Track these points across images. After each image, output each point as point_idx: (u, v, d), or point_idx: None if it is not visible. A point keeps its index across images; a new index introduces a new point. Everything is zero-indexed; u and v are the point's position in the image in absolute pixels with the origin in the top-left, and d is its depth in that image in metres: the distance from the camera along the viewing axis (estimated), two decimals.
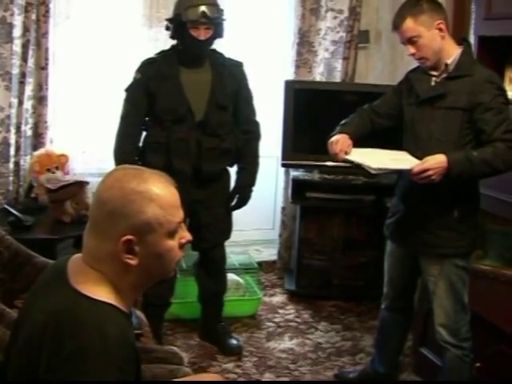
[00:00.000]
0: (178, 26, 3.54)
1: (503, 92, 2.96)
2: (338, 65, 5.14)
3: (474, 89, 2.90)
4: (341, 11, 5.06)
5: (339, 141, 3.12)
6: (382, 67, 5.20)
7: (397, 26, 3.02)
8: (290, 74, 5.03)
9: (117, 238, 1.58)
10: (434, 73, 3.06)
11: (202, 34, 3.50)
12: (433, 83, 3.06)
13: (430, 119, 3.03)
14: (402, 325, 3.49)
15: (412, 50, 2.99)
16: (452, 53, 3.00)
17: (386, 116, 3.30)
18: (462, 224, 3.03)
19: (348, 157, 3.09)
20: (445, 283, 3.08)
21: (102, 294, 1.60)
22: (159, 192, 1.63)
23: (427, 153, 2.92)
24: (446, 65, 3.00)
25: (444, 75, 3.02)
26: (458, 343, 3.09)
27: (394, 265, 3.37)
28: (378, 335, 3.61)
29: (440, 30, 2.96)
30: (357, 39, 5.12)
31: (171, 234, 1.65)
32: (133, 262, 1.61)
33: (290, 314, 4.60)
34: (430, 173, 2.82)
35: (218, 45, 3.82)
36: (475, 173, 2.89)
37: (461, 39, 3.09)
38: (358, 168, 3.10)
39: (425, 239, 3.09)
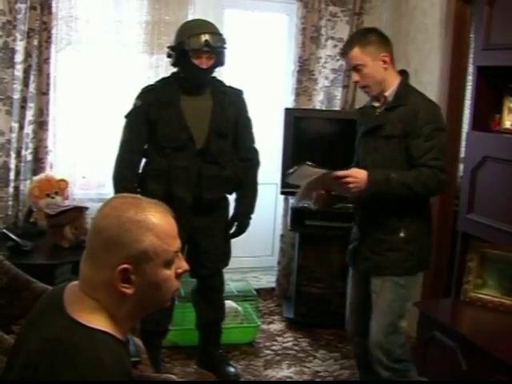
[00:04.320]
0: (180, 53, 3.55)
1: (436, 119, 3.12)
2: (338, 93, 5.17)
3: (407, 117, 3.08)
4: (341, 40, 5.10)
5: None
6: None
7: (345, 53, 3.25)
8: (289, 102, 5.05)
9: (113, 267, 1.58)
10: (377, 104, 3.25)
11: (204, 63, 3.52)
12: (377, 114, 3.24)
13: (372, 149, 3.23)
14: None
15: (356, 77, 3.20)
16: (392, 84, 3.19)
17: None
18: (410, 245, 3.18)
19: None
20: (383, 300, 3.21)
21: (98, 322, 1.59)
22: (156, 221, 1.62)
23: None
24: (385, 97, 3.19)
25: (384, 106, 3.20)
26: (390, 364, 3.19)
27: (352, 289, 3.51)
28: (359, 371, 3.67)
29: (384, 62, 3.16)
30: None
31: (168, 264, 1.64)
32: (129, 291, 1.60)
33: (288, 341, 4.58)
34: (349, 179, 3.02)
35: (219, 73, 3.84)
36: (393, 193, 3.05)
37: (401, 71, 3.28)
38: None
39: (375, 261, 3.23)
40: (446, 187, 3.16)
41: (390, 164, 3.13)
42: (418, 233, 3.20)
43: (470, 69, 3.96)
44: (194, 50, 3.50)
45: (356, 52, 3.15)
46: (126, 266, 1.58)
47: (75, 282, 1.69)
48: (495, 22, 3.25)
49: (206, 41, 3.49)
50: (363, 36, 3.22)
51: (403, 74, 3.27)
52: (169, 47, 3.68)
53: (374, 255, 3.24)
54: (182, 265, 1.71)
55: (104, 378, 1.50)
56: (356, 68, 3.17)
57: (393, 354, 3.20)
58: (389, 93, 3.18)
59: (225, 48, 3.62)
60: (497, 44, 3.24)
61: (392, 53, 3.22)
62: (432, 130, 3.05)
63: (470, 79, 4.03)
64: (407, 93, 3.18)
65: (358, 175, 3.04)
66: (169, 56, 3.67)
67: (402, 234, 3.16)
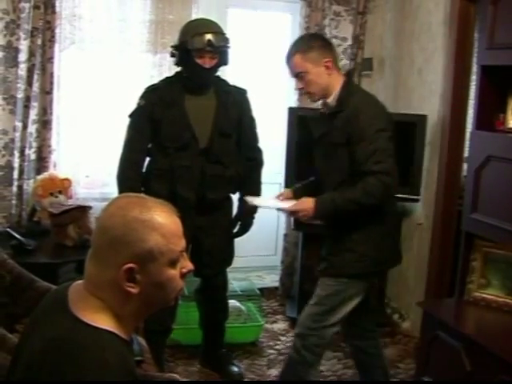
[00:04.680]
0: (183, 53, 3.55)
1: (376, 120, 3.04)
2: None
3: (347, 122, 3.04)
4: (344, 39, 5.11)
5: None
6: (385, 94, 5.20)
7: (287, 60, 3.19)
8: (293, 101, 5.04)
9: (118, 266, 1.58)
10: (323, 111, 3.23)
11: (207, 62, 3.52)
12: (323, 121, 3.22)
13: (322, 156, 3.23)
14: (365, 351, 3.53)
15: (300, 84, 3.18)
16: (336, 88, 3.14)
17: None
18: (363, 246, 3.14)
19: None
20: (321, 291, 3.22)
21: (103, 321, 1.59)
22: (162, 221, 1.62)
23: (328, 186, 3.16)
24: (327, 103, 3.17)
25: (328, 112, 3.18)
26: (301, 349, 3.20)
27: None
28: (358, 372, 3.66)
29: (327, 67, 3.11)
30: (360, 67, 5.16)
31: (173, 263, 1.65)
32: (134, 290, 1.60)
33: (291, 341, 4.54)
34: (300, 214, 3.14)
35: (223, 72, 3.84)
36: (342, 212, 3.06)
37: (346, 73, 3.29)
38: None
39: (330, 261, 3.22)
40: (393, 190, 3.10)
41: (338, 170, 3.11)
42: (370, 234, 3.15)
43: (474, 68, 3.95)
44: (197, 50, 3.50)
45: (297, 59, 3.13)
46: (131, 265, 1.58)
47: (79, 281, 1.70)
48: (499, 21, 3.24)
49: (209, 40, 3.49)
50: (304, 42, 3.21)
51: (347, 75, 3.26)
52: (172, 46, 3.67)
53: (330, 256, 3.23)
54: (187, 264, 1.71)
55: (108, 377, 1.49)
56: (298, 75, 3.15)
57: (306, 341, 3.20)
58: (331, 98, 3.15)
59: (228, 47, 3.62)
60: (501, 43, 3.23)
61: (334, 57, 3.20)
62: (374, 131, 2.99)
63: (473, 79, 4.02)
64: (349, 95, 3.11)
65: (304, 206, 3.10)
66: (172, 55, 3.67)
67: (354, 236, 3.13)
